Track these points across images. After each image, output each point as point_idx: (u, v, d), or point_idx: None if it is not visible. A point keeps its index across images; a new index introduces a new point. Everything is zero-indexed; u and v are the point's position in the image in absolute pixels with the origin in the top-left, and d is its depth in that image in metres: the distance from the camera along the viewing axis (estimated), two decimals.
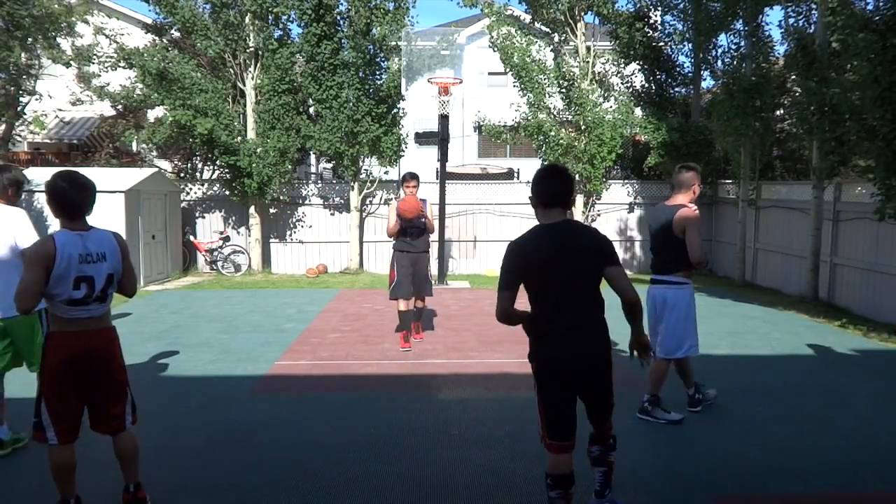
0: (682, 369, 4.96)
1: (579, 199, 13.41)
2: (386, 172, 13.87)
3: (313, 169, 21.44)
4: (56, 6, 12.48)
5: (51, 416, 3.20)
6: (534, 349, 3.11)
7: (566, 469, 3.02)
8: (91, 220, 3.34)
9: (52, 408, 3.20)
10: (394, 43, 12.56)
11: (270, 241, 13.81)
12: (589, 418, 3.21)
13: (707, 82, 14.16)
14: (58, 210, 3.21)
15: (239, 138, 12.58)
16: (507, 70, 13.21)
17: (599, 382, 3.12)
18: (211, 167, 15.27)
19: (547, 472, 3.06)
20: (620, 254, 14.06)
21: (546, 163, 13.03)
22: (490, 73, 19.73)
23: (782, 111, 12.60)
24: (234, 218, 13.75)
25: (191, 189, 13.71)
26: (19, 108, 13.36)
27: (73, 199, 3.20)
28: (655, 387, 4.81)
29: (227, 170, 12.96)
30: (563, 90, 13.06)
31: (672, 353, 4.79)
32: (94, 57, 13.88)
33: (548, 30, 13.42)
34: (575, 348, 3.01)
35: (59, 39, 13.23)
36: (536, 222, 3.13)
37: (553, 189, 3.07)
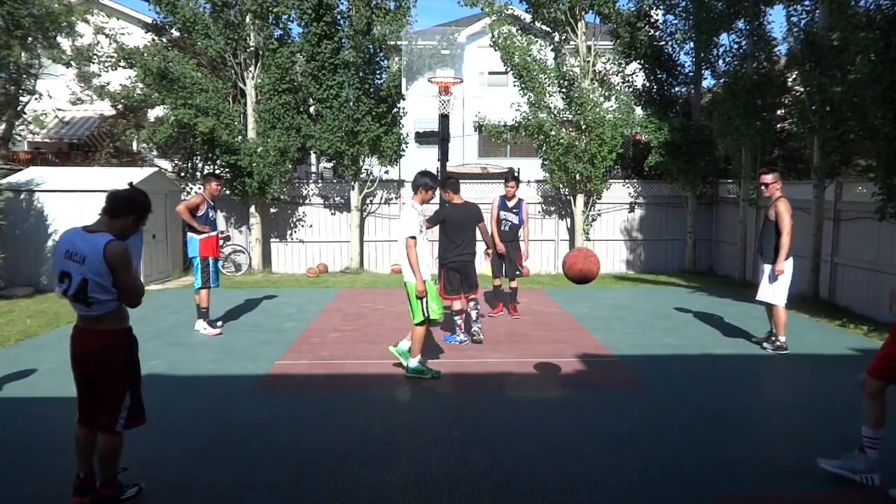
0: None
1: (580, 199, 13.40)
2: (386, 172, 13.85)
3: (314, 168, 21.42)
4: (56, 5, 12.47)
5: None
6: (442, 258, 7.07)
7: (457, 304, 7.09)
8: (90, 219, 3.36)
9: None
10: (394, 42, 12.55)
11: (271, 240, 13.81)
12: (463, 287, 6.99)
13: (707, 81, 14.15)
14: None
15: (239, 138, 12.58)
16: (508, 69, 13.19)
17: (473, 271, 7.07)
18: (211, 167, 15.26)
19: (446, 306, 6.84)
20: (624, 254, 14.08)
21: (546, 162, 13.07)
22: (490, 73, 19.72)
23: (783, 110, 12.58)
24: (234, 217, 13.74)
25: (191, 188, 13.69)
26: (19, 108, 13.36)
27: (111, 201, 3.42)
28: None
29: (227, 169, 12.95)
30: (564, 90, 13.05)
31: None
32: (94, 56, 13.85)
33: (548, 29, 13.40)
34: (460, 261, 6.95)
35: (59, 39, 13.22)
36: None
37: (458, 187, 7.24)
